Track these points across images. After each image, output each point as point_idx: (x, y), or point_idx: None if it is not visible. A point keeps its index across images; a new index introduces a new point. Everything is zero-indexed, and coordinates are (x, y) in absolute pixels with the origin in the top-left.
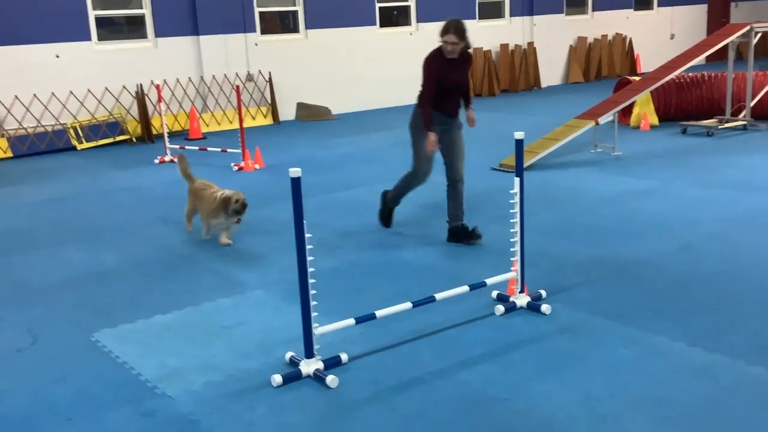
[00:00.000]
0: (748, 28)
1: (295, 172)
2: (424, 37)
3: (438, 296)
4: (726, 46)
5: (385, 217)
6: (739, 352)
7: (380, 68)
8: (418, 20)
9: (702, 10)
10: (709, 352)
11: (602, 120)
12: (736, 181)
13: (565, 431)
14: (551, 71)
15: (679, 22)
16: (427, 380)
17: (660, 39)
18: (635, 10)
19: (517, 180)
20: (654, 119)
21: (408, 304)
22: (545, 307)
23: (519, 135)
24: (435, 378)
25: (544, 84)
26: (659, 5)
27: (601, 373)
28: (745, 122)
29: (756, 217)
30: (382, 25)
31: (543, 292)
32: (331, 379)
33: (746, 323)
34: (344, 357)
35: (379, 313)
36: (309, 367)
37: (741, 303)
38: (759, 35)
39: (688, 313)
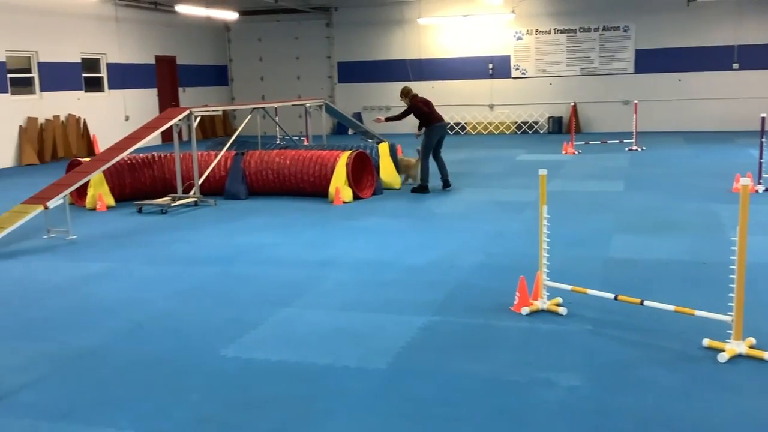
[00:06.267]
0: (188, 112)
1: None
2: None
3: None
4: (172, 128)
5: (423, 189)
6: (183, 426)
7: None
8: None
9: (152, 93)
10: None
11: (51, 204)
12: (186, 256)
13: None
14: (1, 153)
15: (132, 104)
16: None
17: (115, 120)
18: (86, 92)
19: None
20: (110, 200)
21: None
22: None
23: None
24: None
25: None
26: (110, 88)
27: None
28: (195, 199)
29: (201, 288)
30: None
31: None
32: None
33: (190, 396)
34: None
35: None
36: None
37: (186, 376)
38: (199, 118)
39: (135, 398)
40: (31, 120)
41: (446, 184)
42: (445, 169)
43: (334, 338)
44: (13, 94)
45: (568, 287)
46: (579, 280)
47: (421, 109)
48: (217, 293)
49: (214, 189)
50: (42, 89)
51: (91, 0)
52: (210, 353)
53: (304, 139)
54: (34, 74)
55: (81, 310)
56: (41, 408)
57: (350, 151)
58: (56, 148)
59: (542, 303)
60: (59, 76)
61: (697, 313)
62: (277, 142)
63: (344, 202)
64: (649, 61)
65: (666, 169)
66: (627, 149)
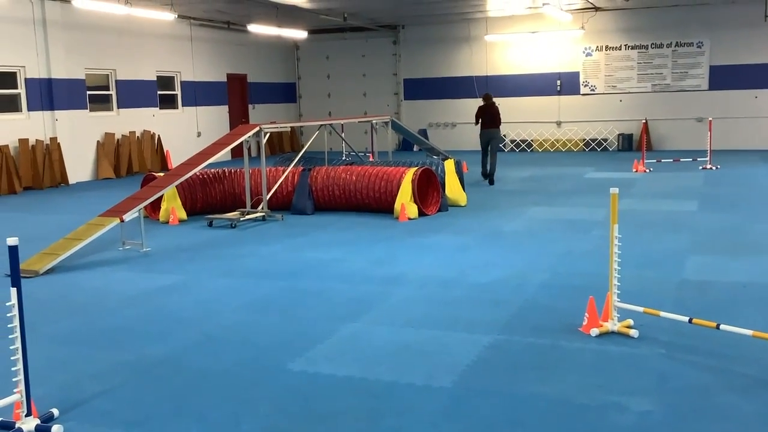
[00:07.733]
0: (257, 128)
1: None
2: None
3: None
4: (242, 144)
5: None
6: None
7: None
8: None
9: (223, 110)
10: None
11: (127, 217)
12: (254, 270)
13: None
14: (79, 167)
15: (204, 120)
16: None
17: (188, 136)
18: (161, 108)
19: (13, 290)
20: (182, 213)
21: None
22: (56, 428)
23: (12, 241)
24: None
25: (72, 180)
26: (184, 105)
27: None
28: (263, 213)
29: (269, 302)
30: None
31: (55, 411)
32: None
33: (258, 408)
34: None
35: None
36: None
37: (255, 388)
38: (268, 135)
39: (206, 408)
40: (109, 135)
41: (489, 180)
42: (491, 168)
43: (400, 355)
44: (91, 110)
45: (640, 309)
46: (651, 302)
47: (477, 114)
48: (284, 307)
49: (282, 204)
50: (119, 106)
51: (167, 20)
52: (278, 366)
53: (370, 155)
54: (112, 91)
55: (155, 320)
56: (116, 416)
57: (416, 168)
58: (131, 163)
59: (612, 325)
60: (136, 94)
61: None
62: (343, 158)
63: (410, 219)
64: (724, 78)
65: (742, 188)
66: (701, 168)
